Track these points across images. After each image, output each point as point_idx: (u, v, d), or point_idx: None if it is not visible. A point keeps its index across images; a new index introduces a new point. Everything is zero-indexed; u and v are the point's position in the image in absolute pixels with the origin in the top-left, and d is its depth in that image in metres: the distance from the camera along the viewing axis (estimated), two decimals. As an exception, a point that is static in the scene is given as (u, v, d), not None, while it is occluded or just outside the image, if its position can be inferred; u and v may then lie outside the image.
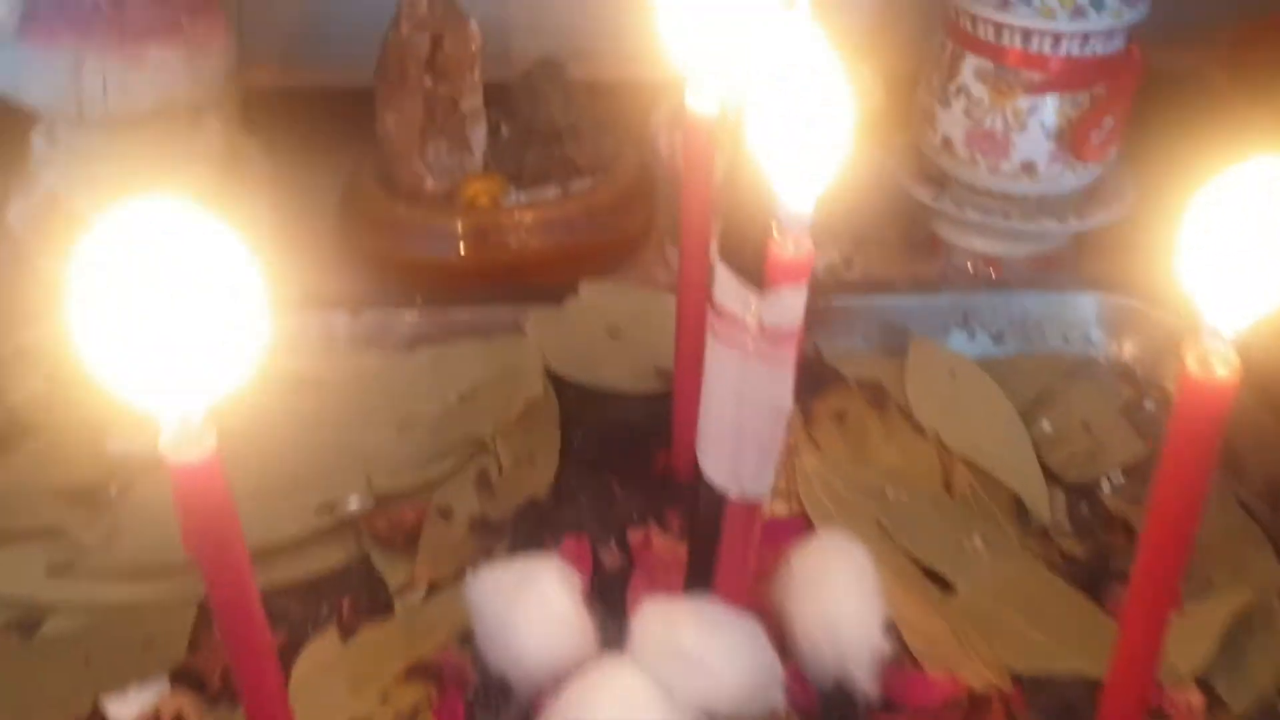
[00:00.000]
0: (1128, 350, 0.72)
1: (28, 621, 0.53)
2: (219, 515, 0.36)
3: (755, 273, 0.40)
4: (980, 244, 0.79)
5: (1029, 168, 0.74)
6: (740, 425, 0.43)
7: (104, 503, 0.59)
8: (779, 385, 0.42)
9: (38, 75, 0.65)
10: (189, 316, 0.31)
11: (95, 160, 0.68)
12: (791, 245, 0.40)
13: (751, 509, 0.46)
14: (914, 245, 0.82)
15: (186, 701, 0.50)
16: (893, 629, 0.51)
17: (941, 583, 0.56)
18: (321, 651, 0.52)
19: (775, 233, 0.40)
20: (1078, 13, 0.69)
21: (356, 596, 0.55)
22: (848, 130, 0.39)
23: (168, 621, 0.53)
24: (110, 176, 0.68)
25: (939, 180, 0.79)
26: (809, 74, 0.38)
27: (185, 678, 0.51)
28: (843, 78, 0.38)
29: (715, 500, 0.46)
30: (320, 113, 0.83)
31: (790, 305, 0.40)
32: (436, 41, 0.71)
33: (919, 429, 0.64)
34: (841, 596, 0.50)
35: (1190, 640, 0.52)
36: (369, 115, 0.76)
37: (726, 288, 0.41)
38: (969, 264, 0.80)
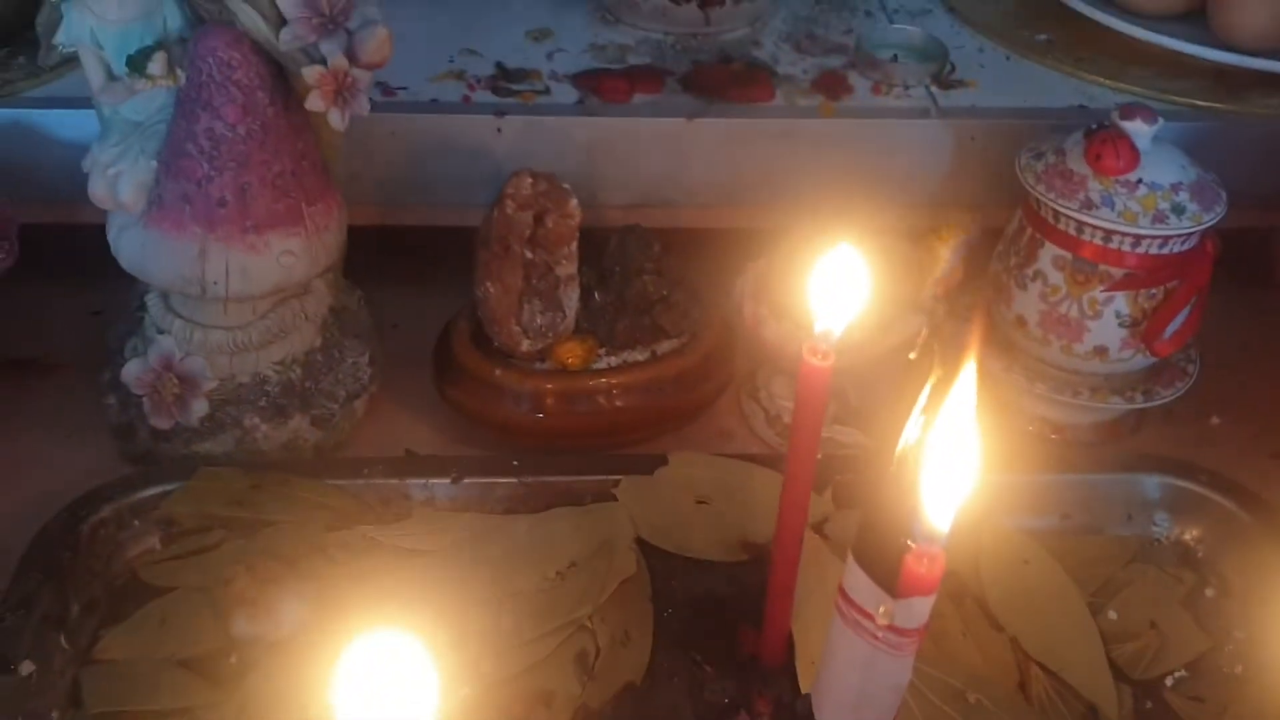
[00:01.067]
0: (1190, 534, 0.77)
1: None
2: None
3: (889, 577, 0.46)
4: (1045, 410, 0.84)
5: (1101, 351, 0.79)
6: (862, 698, 0.49)
7: (224, 677, 0.64)
8: (901, 670, 0.47)
9: (163, 261, 0.69)
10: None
11: (210, 328, 0.73)
12: (926, 559, 0.45)
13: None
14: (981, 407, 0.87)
15: None
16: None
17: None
18: None
19: (912, 546, 0.45)
20: (1159, 218, 0.74)
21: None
22: (977, 467, 0.44)
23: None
24: (224, 343, 0.74)
25: (1007, 349, 0.84)
26: (951, 418, 0.43)
27: None
28: (973, 419, 0.43)
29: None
30: (417, 255, 0.89)
31: (920, 611, 0.45)
32: (539, 218, 0.76)
33: (996, 625, 0.69)
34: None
35: None
36: (461, 257, 0.80)
37: (859, 585, 0.46)
38: (1031, 426, 0.85)
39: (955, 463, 0.44)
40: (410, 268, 0.88)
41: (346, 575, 0.68)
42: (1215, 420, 0.88)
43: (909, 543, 0.45)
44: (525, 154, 0.85)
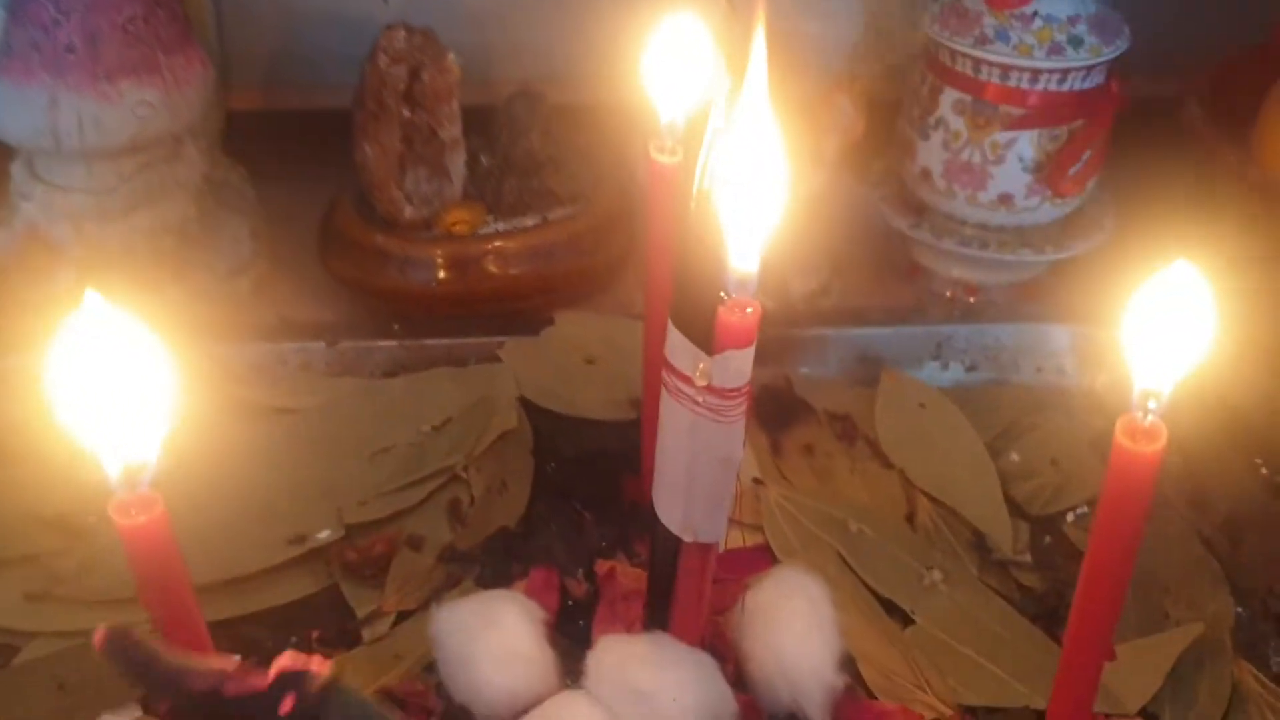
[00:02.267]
0: (1100, 382, 0.76)
1: (4, 648, 0.58)
2: (169, 572, 0.40)
3: (705, 334, 0.45)
4: (959, 271, 0.83)
5: (1006, 200, 0.78)
6: (692, 476, 0.48)
7: (81, 531, 0.63)
8: (729, 439, 0.46)
9: (13, 112, 0.69)
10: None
11: (74, 192, 0.73)
12: (739, 309, 0.44)
13: (705, 550, 0.50)
14: (892, 271, 0.87)
15: (158, 728, 0.55)
16: (849, 662, 0.56)
17: (901, 615, 0.61)
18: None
19: (724, 295, 0.44)
20: (1055, 50, 0.74)
21: (325, 626, 0.59)
22: (784, 198, 0.43)
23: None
24: (89, 207, 0.73)
25: (918, 209, 0.83)
26: (753, 138, 0.42)
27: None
28: (779, 142, 0.42)
29: (671, 541, 0.50)
30: (302, 135, 0.88)
31: (738, 367, 0.44)
32: (414, 73, 0.75)
33: (886, 463, 0.69)
34: (795, 630, 0.54)
35: (1138, 673, 0.56)
36: (349, 137, 0.80)
37: (678, 348, 0.46)
38: (948, 291, 0.84)
39: (756, 184, 0.42)
40: (298, 150, 0.87)
41: (209, 433, 0.68)
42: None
43: (721, 295, 0.44)
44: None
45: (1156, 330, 0.41)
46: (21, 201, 0.73)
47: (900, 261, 0.86)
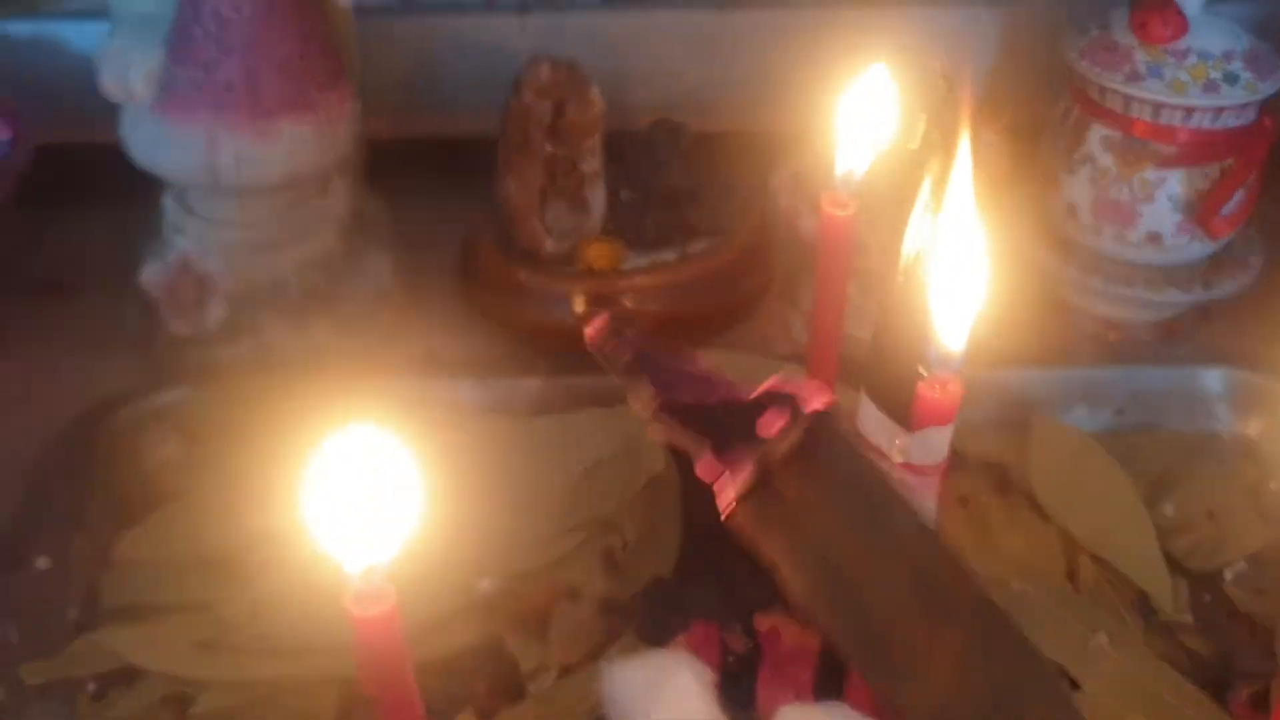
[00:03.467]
0: (1253, 427, 0.75)
1: (180, 698, 0.59)
2: (396, 662, 0.41)
3: (903, 410, 0.44)
4: (1102, 309, 0.82)
5: (1155, 238, 0.77)
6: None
7: (245, 575, 0.64)
8: (922, 509, 0.46)
9: (172, 150, 0.70)
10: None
11: (227, 226, 0.74)
12: (940, 385, 0.44)
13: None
14: (1034, 307, 0.85)
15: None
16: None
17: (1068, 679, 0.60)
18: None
19: (924, 373, 0.44)
20: (1210, 87, 0.72)
21: (491, 678, 0.60)
22: (985, 286, 0.43)
23: (314, 699, 0.58)
24: (241, 242, 0.74)
25: (1063, 243, 0.82)
26: (957, 234, 0.42)
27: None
28: (983, 236, 0.42)
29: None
30: (434, 161, 0.89)
31: (937, 444, 0.44)
32: (559, 108, 0.75)
33: (1043, 515, 0.68)
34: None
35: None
36: (486, 164, 0.80)
37: (872, 422, 0.46)
38: (1090, 327, 0.83)
39: (964, 270, 0.42)
40: (434, 178, 0.88)
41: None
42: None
43: (921, 370, 0.44)
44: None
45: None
46: (175, 235, 0.74)
47: (1041, 297, 0.85)
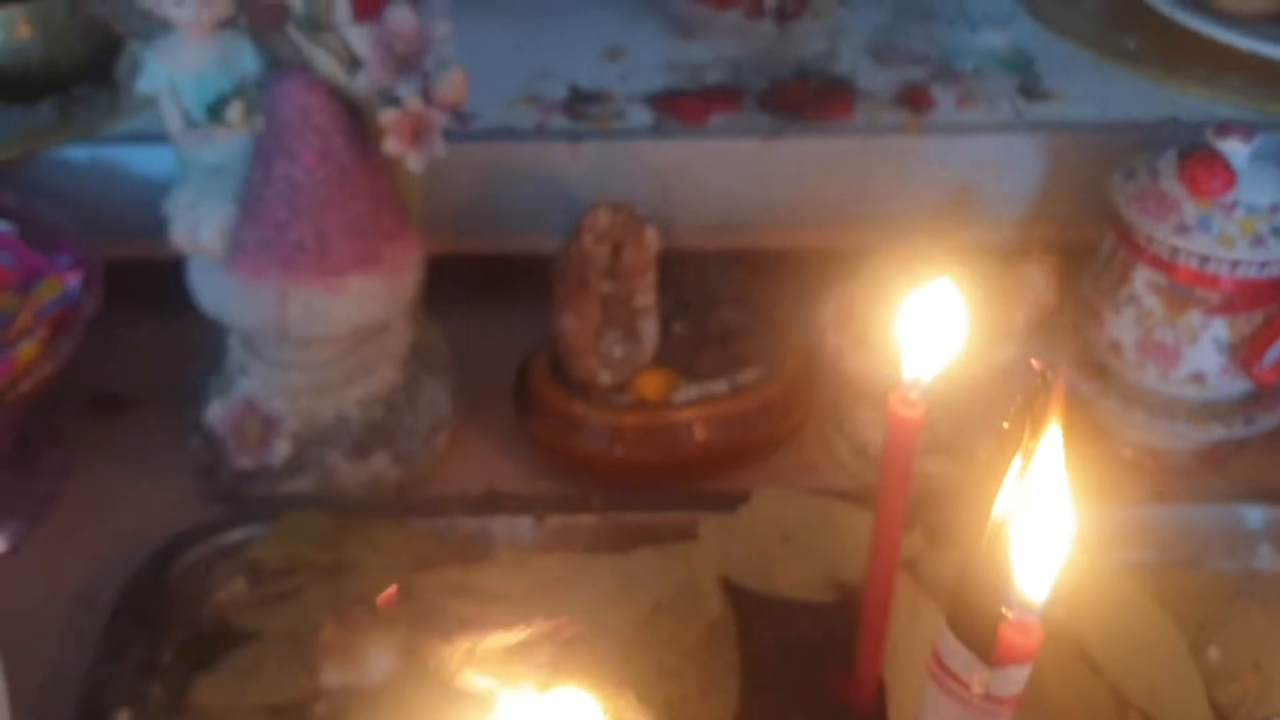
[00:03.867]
0: (1297, 566, 0.76)
1: None
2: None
3: (985, 647, 0.46)
4: (1142, 437, 0.84)
5: (1199, 378, 0.79)
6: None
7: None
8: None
9: (244, 305, 0.71)
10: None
11: (291, 369, 0.75)
12: (1022, 630, 0.45)
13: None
14: (1070, 432, 0.87)
15: None
16: None
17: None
18: None
19: (1008, 614, 0.46)
20: (1258, 241, 0.74)
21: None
22: (1070, 539, 0.45)
23: None
24: (306, 384, 0.76)
25: (1101, 372, 0.84)
26: (1044, 503, 0.44)
27: None
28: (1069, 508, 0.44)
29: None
30: (492, 280, 0.90)
31: (1016, 679, 0.46)
32: (616, 249, 0.77)
33: (1094, 666, 0.70)
34: None
35: None
36: (538, 284, 0.82)
37: (955, 654, 0.47)
38: (1128, 454, 0.84)
39: (1048, 534, 0.44)
40: (486, 295, 0.90)
41: (434, 621, 0.70)
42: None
43: (1005, 611, 0.46)
44: (601, 178, 0.87)
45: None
46: (240, 377, 0.76)
47: (1077, 422, 0.86)
